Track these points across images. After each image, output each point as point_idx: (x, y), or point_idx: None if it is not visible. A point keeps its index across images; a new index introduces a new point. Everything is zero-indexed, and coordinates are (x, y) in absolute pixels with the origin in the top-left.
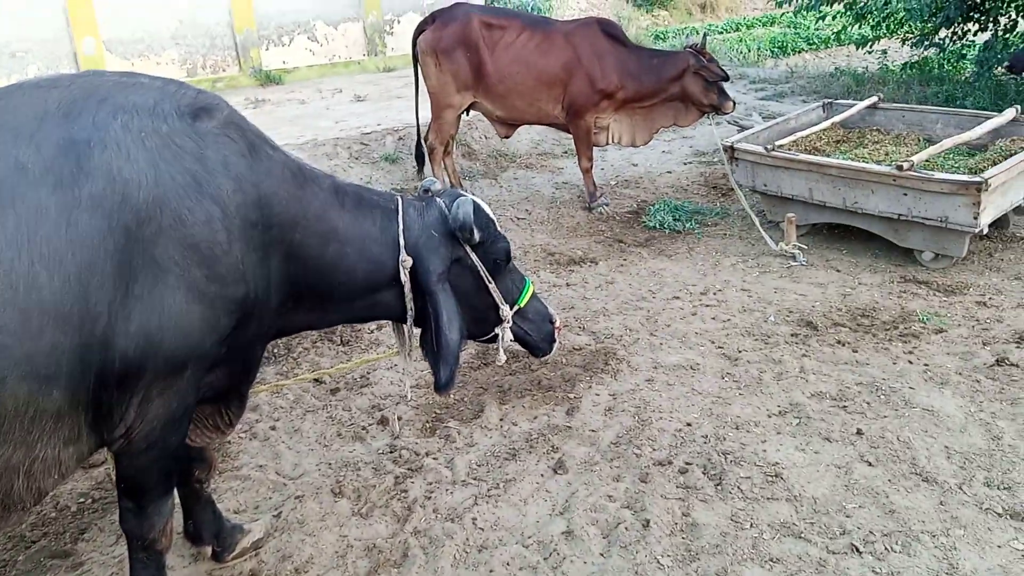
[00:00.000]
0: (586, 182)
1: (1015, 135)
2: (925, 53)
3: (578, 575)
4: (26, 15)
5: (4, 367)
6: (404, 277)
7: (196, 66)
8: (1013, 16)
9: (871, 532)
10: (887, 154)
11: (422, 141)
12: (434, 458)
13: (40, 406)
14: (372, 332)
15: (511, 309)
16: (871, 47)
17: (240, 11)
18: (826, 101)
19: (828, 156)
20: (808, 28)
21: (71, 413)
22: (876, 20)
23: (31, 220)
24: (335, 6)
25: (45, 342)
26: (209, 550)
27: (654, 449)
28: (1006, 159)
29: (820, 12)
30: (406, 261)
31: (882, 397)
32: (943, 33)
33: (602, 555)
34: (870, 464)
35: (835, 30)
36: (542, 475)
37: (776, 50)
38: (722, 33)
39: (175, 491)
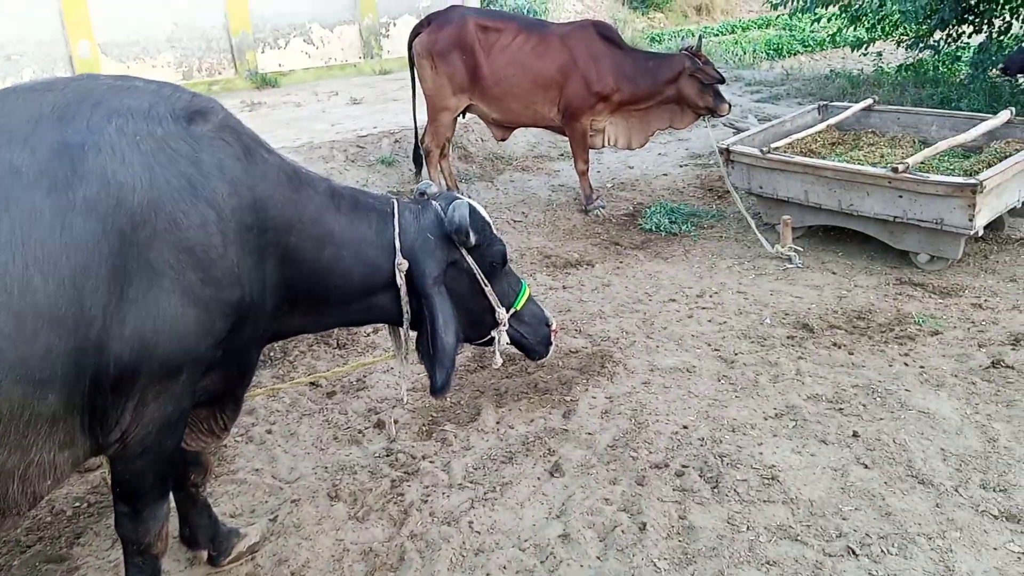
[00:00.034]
0: (582, 185)
1: (1010, 137)
2: (920, 55)
3: None
4: (21, 18)
5: None
6: (400, 280)
7: (192, 69)
8: (1007, 18)
9: (867, 535)
10: (882, 156)
11: (419, 144)
12: (430, 461)
13: (35, 410)
14: (368, 335)
15: (507, 312)
16: (866, 49)
17: (236, 14)
18: (822, 103)
19: (824, 158)
20: (803, 30)
21: (66, 417)
22: (871, 22)
23: (25, 223)
24: (331, 9)
25: (40, 345)
26: (205, 554)
27: (650, 452)
28: (1001, 161)
29: (815, 14)
30: (402, 264)
31: (878, 399)
32: (938, 35)
33: (598, 558)
34: (866, 466)
35: (830, 32)
36: (538, 478)
37: (772, 52)
38: (718, 35)
39: (171, 495)
